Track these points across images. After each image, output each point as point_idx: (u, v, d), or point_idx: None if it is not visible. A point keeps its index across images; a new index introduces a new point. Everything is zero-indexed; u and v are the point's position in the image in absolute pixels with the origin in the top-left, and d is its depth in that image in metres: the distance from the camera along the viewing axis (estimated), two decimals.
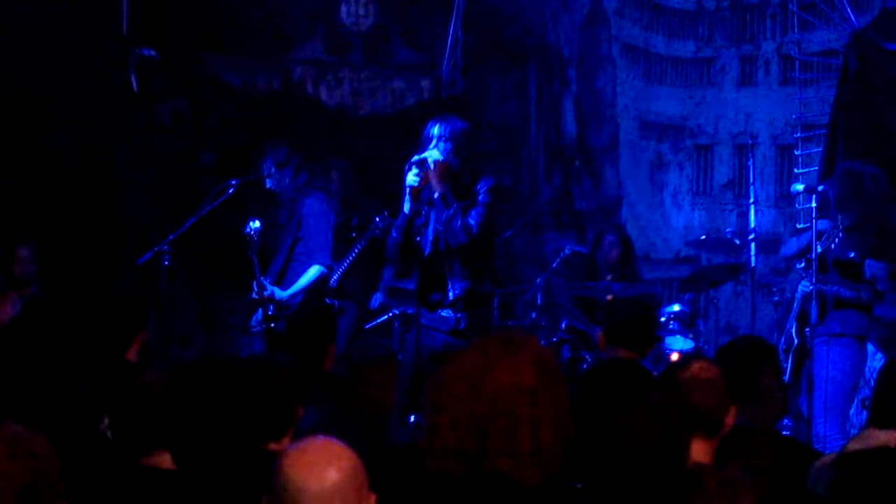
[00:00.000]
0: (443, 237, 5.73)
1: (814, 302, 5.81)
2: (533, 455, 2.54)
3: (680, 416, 2.91)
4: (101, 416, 3.34)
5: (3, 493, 2.18)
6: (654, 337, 5.05)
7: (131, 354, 4.32)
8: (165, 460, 3.06)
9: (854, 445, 3.36)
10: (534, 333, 7.03)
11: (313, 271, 6.72)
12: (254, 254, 6.26)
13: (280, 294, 6.58)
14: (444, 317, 5.73)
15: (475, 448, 2.53)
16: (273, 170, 6.85)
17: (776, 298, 6.93)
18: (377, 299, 7.57)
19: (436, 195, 5.72)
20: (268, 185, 6.89)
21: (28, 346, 3.62)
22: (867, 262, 5.96)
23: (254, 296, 6.50)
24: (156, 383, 3.15)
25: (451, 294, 5.76)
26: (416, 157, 5.70)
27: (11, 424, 2.31)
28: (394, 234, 5.86)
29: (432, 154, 5.69)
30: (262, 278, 6.41)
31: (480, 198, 5.75)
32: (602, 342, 4.91)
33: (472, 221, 5.66)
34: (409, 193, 5.72)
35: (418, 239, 5.74)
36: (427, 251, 5.75)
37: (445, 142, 5.73)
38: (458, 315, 5.70)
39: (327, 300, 6.85)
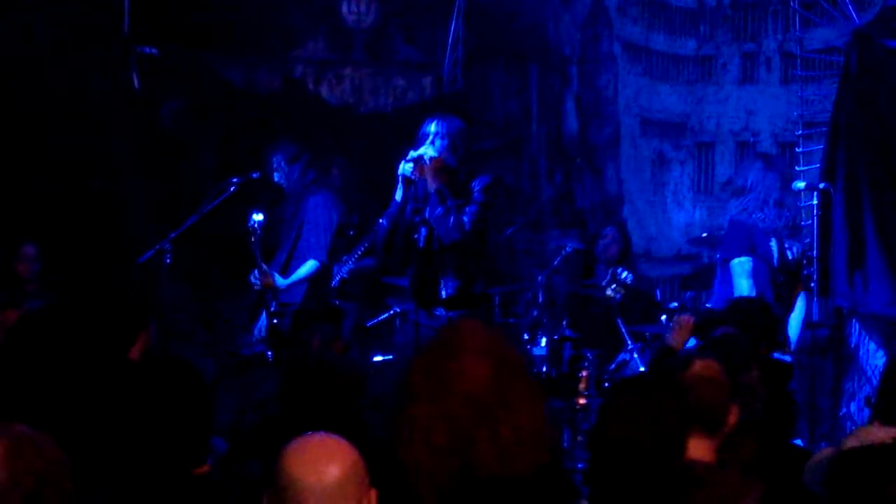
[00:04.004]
0: (436, 234, 5.73)
1: (816, 305, 5.87)
2: (517, 444, 2.54)
3: (676, 412, 2.91)
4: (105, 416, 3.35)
5: (9, 493, 2.17)
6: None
7: (134, 353, 4.32)
8: None
9: (851, 442, 3.35)
10: (486, 323, 6.98)
11: (310, 265, 6.81)
12: (256, 247, 6.30)
13: (280, 281, 6.62)
14: (438, 315, 5.73)
15: (460, 444, 2.53)
16: (283, 164, 6.91)
17: None
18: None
19: (431, 191, 5.73)
20: (275, 179, 6.94)
21: (31, 348, 3.61)
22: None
23: (256, 284, 6.52)
24: None
25: (443, 293, 5.77)
26: (411, 154, 5.73)
27: (16, 425, 2.29)
28: (383, 222, 5.87)
29: (428, 150, 5.72)
30: (263, 265, 6.44)
31: (475, 196, 5.76)
32: None
33: (465, 219, 5.67)
34: (402, 182, 5.76)
35: (415, 236, 5.75)
36: (421, 247, 5.76)
37: (442, 139, 5.76)
38: (451, 314, 5.70)
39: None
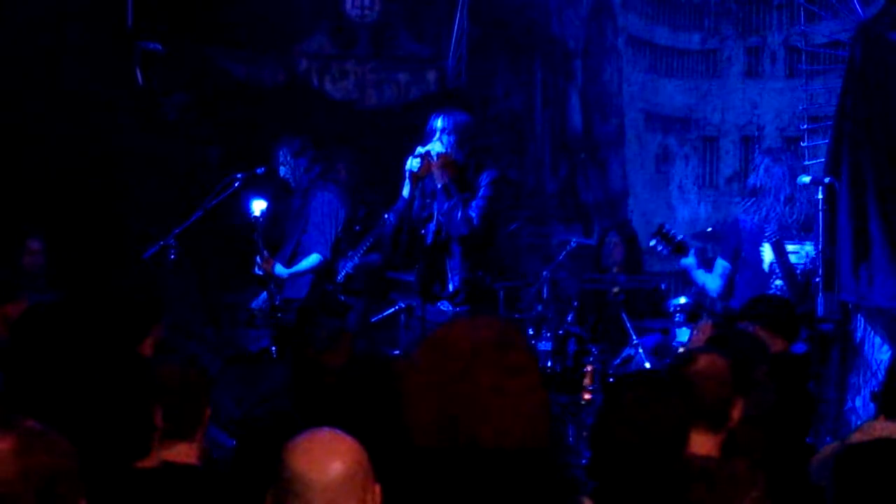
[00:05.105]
0: (444, 228, 5.76)
1: (820, 299, 5.89)
2: (513, 421, 2.54)
3: (678, 408, 2.91)
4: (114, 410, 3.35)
5: (21, 490, 2.16)
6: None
7: (146, 348, 4.33)
8: (179, 454, 3.08)
9: (857, 437, 3.35)
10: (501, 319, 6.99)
11: (312, 258, 6.83)
12: (259, 236, 6.33)
13: (280, 270, 6.64)
14: (443, 310, 5.75)
15: (460, 412, 2.52)
16: (289, 158, 6.92)
17: None
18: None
19: (438, 186, 5.75)
20: (281, 173, 6.95)
21: (41, 342, 3.61)
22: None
23: (257, 270, 6.54)
24: (171, 376, 3.24)
25: (450, 286, 5.79)
26: (419, 150, 5.74)
27: (27, 421, 2.29)
28: (391, 218, 5.90)
29: (435, 146, 5.74)
30: (265, 252, 6.47)
31: (482, 191, 5.78)
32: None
33: (473, 213, 5.69)
34: (409, 178, 5.78)
35: (422, 232, 5.77)
36: (429, 242, 5.78)
37: (448, 134, 5.77)
38: (458, 308, 5.72)
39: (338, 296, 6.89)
